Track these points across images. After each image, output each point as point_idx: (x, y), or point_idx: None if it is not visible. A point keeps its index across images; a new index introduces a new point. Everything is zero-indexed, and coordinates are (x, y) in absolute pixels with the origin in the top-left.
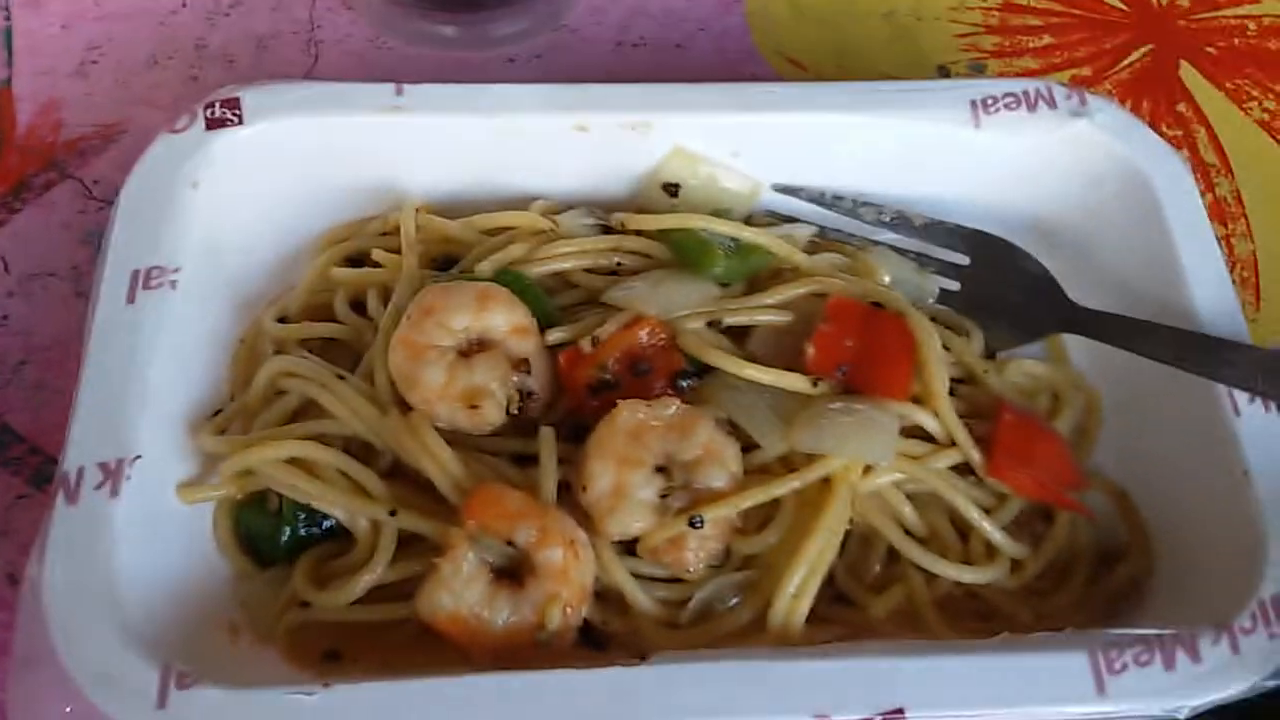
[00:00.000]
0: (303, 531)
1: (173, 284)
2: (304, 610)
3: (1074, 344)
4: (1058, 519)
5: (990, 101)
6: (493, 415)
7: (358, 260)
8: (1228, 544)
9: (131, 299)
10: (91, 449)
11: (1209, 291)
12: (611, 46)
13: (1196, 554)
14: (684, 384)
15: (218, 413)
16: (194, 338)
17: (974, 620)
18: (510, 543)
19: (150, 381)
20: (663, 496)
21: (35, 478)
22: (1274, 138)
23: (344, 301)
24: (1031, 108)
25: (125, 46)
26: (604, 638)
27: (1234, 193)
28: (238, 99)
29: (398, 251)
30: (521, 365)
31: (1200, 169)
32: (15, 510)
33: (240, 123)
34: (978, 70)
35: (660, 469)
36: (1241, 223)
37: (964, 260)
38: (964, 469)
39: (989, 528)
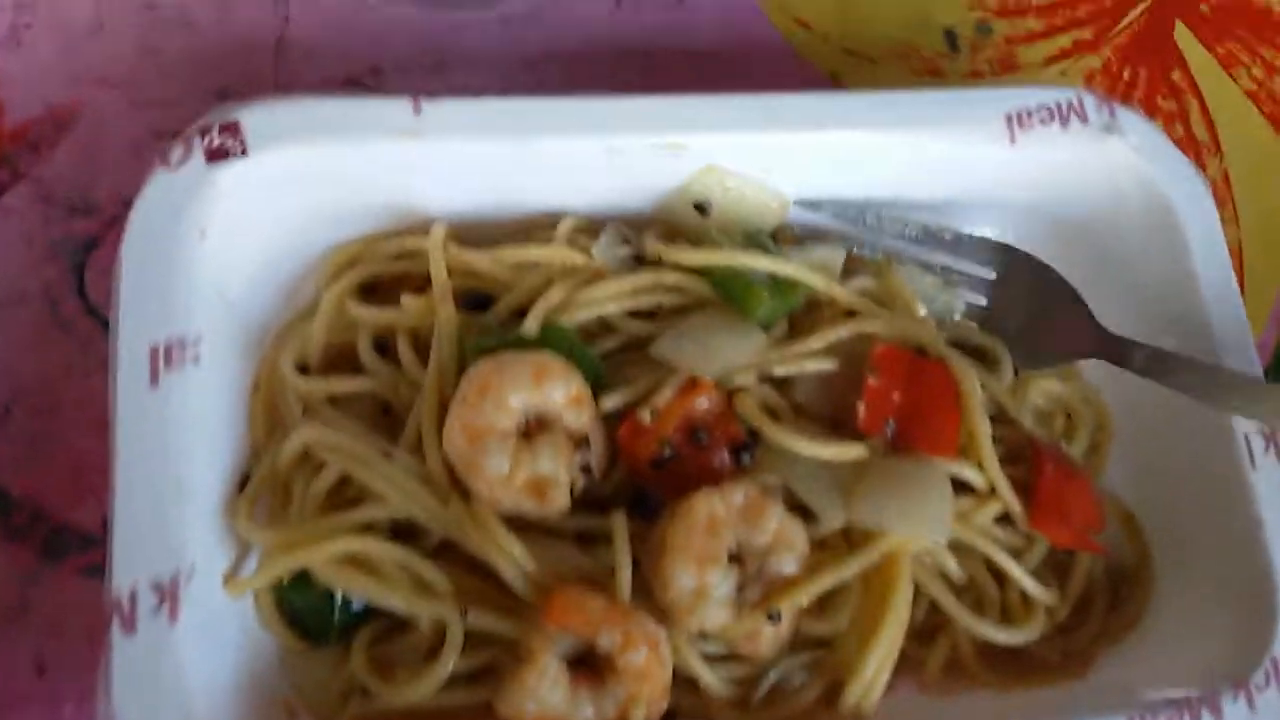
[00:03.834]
0: (355, 607)
1: (195, 359)
2: (367, 699)
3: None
4: (1079, 559)
5: (1025, 116)
6: (560, 502)
7: (372, 286)
8: (1239, 590)
9: (155, 381)
10: (141, 565)
11: (1222, 315)
12: (610, 6)
13: (1204, 586)
14: (745, 458)
15: (245, 479)
16: (216, 403)
17: (1006, 660)
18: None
19: (186, 473)
20: (738, 589)
21: (46, 549)
22: (1260, 110)
23: (369, 344)
24: (1064, 121)
25: (60, 3)
26: (675, 718)
27: (1223, 173)
28: (237, 123)
29: (416, 276)
30: (582, 442)
31: (1193, 147)
32: (31, 589)
33: (244, 152)
34: (985, 32)
35: (732, 557)
36: (1229, 208)
37: (991, 275)
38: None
39: (1029, 584)
